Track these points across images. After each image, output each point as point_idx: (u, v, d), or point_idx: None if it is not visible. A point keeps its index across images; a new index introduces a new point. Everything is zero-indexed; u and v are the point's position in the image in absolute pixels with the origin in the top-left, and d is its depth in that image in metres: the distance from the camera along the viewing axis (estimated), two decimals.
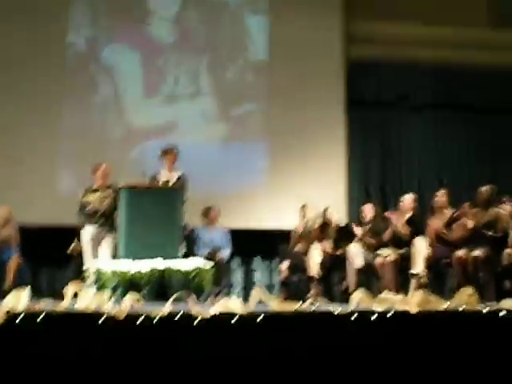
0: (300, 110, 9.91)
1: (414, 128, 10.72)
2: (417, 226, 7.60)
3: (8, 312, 3.45)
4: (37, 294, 8.57)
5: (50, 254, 8.85)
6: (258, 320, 3.72)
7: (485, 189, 7.33)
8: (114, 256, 7.01)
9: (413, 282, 7.18)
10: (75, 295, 3.76)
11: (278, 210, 9.38)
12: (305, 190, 9.33)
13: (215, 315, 3.72)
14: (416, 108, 10.73)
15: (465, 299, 4.24)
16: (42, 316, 3.48)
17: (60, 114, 9.63)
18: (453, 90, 10.67)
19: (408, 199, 7.82)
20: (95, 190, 7.50)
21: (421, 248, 7.30)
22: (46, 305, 3.65)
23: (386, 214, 7.82)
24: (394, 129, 10.76)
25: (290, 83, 9.95)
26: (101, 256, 7.23)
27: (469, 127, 10.76)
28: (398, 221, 7.64)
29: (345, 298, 7.25)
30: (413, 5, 10.29)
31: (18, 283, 7.53)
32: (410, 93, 10.68)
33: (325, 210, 8.27)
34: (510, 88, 10.54)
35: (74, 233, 7.79)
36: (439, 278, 7.37)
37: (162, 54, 9.97)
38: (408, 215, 7.71)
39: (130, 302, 3.79)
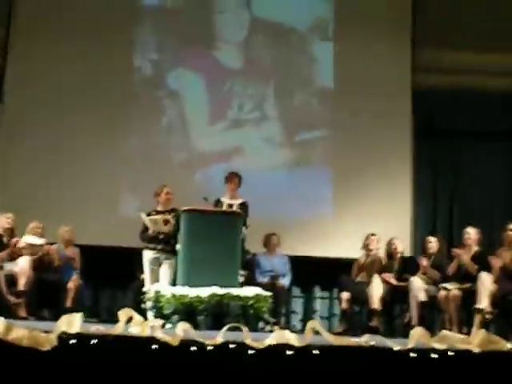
0: (366, 137, 9.79)
1: (483, 158, 10.45)
2: (482, 260, 7.40)
3: (62, 334, 3.45)
4: (96, 315, 8.74)
5: (110, 275, 8.94)
6: (314, 352, 3.63)
7: None
8: (174, 280, 7.01)
9: (477, 318, 6.97)
10: (130, 319, 3.73)
11: (340, 239, 9.27)
12: (369, 219, 9.18)
13: (270, 346, 3.64)
14: (485, 137, 10.47)
15: None
16: (95, 339, 3.46)
17: (125, 137, 9.75)
18: None
19: (472, 233, 7.64)
20: (158, 213, 7.53)
21: (486, 283, 7.08)
22: (99, 328, 3.63)
23: (453, 251, 7.61)
24: (462, 159, 10.49)
25: (356, 110, 9.82)
26: (161, 279, 7.24)
27: None
28: (465, 256, 7.47)
29: (406, 331, 7.09)
30: (479, 33, 10.08)
31: (78, 304, 7.62)
32: (479, 122, 10.42)
33: (390, 241, 8.15)
34: None
35: (135, 255, 7.85)
36: (505, 315, 7.14)
37: (227, 79, 10.01)
38: (474, 250, 7.54)
39: (185, 329, 3.73)
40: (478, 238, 7.65)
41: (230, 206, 7.65)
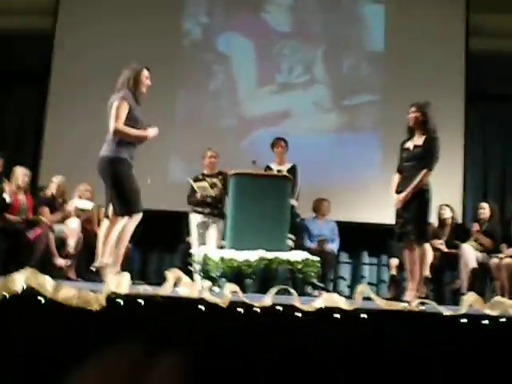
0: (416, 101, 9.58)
1: None
2: None
3: (110, 294, 3.45)
4: (145, 278, 8.83)
5: (158, 239, 8.99)
6: (362, 316, 3.57)
7: None
8: (222, 243, 7.02)
9: None
10: (178, 280, 3.71)
11: (390, 205, 9.12)
12: None
13: (319, 308, 3.60)
14: None
15: None
16: (143, 299, 3.46)
17: (174, 102, 9.77)
18: None
19: None
20: (204, 177, 7.52)
21: None
22: (147, 289, 3.63)
23: None
24: None
25: (407, 74, 9.63)
26: (208, 242, 7.25)
27: None
28: None
29: (456, 298, 7.01)
30: None
31: (127, 267, 7.68)
32: None
33: (439, 208, 8.02)
34: None
35: (182, 218, 7.87)
36: None
37: (276, 43, 9.91)
38: None
39: (234, 291, 3.71)
40: None
41: (279, 171, 7.59)
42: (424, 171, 5.54)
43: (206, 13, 10.01)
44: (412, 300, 4.72)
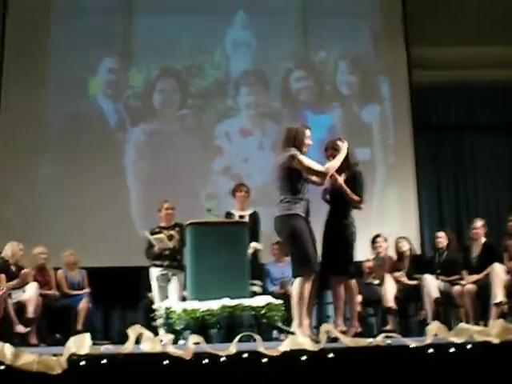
0: (367, 139, 9.72)
1: (484, 150, 10.40)
2: (493, 251, 7.35)
3: (72, 356, 3.38)
4: (108, 337, 8.65)
5: (119, 296, 8.86)
6: (329, 356, 3.55)
7: None
8: (185, 295, 6.94)
9: (493, 311, 6.89)
10: (140, 336, 3.65)
11: None
12: (375, 220, 9.04)
13: (285, 352, 3.56)
14: (484, 129, 10.44)
15: None
16: (105, 359, 3.39)
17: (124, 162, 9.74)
18: None
19: (479, 226, 7.58)
20: (161, 229, 7.45)
21: (499, 275, 7.02)
22: (109, 348, 3.56)
23: None
24: (463, 152, 10.48)
25: (356, 112, 9.82)
26: (170, 295, 7.16)
27: None
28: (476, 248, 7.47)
29: (422, 329, 7.01)
30: (471, 28, 10.00)
31: (89, 327, 7.55)
32: (477, 114, 10.43)
33: (397, 241, 8.07)
34: None
35: (142, 273, 7.79)
36: None
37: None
38: (482, 242, 7.49)
39: (198, 342, 3.66)
40: (485, 230, 7.61)
41: (241, 217, 7.51)
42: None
43: None
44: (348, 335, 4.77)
